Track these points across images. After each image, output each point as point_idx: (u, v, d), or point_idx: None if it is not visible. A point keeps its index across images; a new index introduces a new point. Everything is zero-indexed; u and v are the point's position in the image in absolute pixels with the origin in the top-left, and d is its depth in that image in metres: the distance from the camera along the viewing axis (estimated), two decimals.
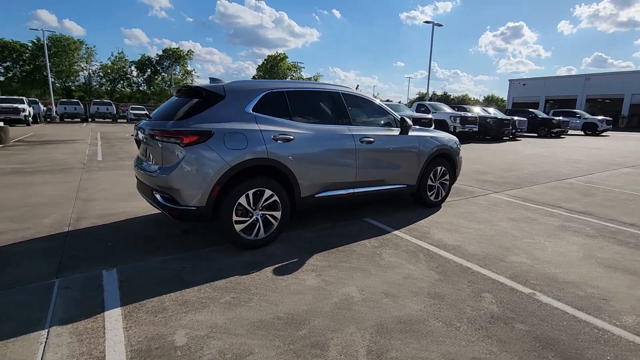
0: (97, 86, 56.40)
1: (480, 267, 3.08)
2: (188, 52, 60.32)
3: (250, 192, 3.18)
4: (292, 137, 3.39)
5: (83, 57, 52.42)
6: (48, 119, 27.69)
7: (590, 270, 3.08)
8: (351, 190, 3.93)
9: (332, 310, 2.37)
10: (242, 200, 3.15)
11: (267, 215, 3.34)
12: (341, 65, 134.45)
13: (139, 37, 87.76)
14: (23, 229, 3.74)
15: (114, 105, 30.27)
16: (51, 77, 44.98)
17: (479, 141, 16.64)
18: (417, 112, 17.69)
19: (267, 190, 3.27)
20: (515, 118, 18.68)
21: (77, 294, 2.48)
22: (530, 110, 22.62)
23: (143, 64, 57.03)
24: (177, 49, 58.79)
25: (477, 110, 18.46)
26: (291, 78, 63.51)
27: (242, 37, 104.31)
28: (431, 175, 4.71)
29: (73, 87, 52.75)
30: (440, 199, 4.94)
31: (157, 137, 3.06)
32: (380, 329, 2.17)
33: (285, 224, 3.49)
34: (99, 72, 54.44)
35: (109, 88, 57.01)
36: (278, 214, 3.39)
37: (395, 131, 4.31)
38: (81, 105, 29.16)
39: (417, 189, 4.62)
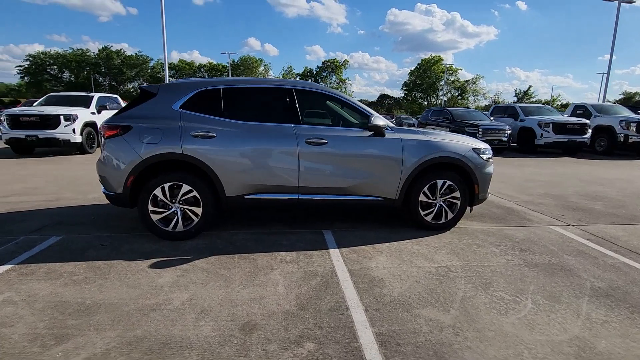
0: None
1: (362, 312, 2.29)
2: (344, 62, 64.93)
3: (167, 185, 3.31)
4: (214, 135, 3.33)
5: (262, 72, 63.52)
6: None
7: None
8: (294, 196, 3.54)
9: (131, 310, 2.26)
10: (158, 192, 3.31)
11: (187, 210, 3.40)
12: (522, 64, 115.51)
13: (317, 52, 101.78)
14: (73, 198, 4.97)
15: None
16: None
17: None
18: (572, 115, 13.90)
19: (185, 185, 3.33)
20: None
21: (12, 249, 3.18)
22: None
23: (305, 75, 64.74)
24: (334, 60, 64.16)
25: None
26: (445, 81, 59.63)
27: (409, 43, 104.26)
28: (425, 189, 3.72)
29: None
30: (443, 221, 3.82)
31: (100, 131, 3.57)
32: (134, 341, 1.95)
33: (208, 221, 3.46)
34: None
35: None
36: (199, 210, 3.39)
37: (366, 133, 3.61)
38: None
39: (402, 204, 3.74)
